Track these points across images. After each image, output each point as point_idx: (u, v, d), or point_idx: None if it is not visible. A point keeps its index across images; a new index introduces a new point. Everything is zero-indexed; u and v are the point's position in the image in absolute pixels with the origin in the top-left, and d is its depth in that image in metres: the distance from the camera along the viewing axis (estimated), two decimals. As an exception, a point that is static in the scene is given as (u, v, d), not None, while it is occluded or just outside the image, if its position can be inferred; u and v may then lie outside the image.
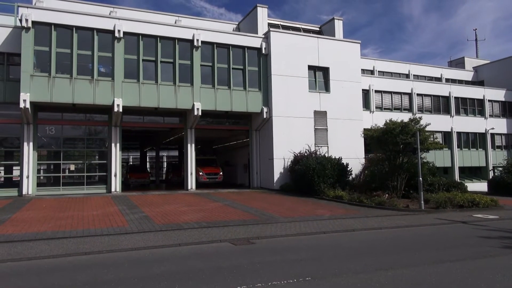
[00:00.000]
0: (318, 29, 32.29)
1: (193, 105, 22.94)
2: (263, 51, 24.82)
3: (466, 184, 25.69)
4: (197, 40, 23.33)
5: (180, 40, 23.26)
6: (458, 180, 28.21)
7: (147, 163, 51.02)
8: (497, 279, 6.82)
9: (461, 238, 11.23)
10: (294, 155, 23.77)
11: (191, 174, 24.33)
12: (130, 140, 39.96)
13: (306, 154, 23.30)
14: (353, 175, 23.78)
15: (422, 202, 17.10)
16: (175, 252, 9.04)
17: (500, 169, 32.19)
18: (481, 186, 31.51)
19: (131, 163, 51.57)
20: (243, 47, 24.74)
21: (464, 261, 8.22)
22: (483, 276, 7.02)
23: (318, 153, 23.60)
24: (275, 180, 24.08)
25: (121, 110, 21.31)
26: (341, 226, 12.74)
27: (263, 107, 24.51)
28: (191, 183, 24.31)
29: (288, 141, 24.21)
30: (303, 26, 31.91)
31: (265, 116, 24.41)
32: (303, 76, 25.29)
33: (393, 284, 6.46)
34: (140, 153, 48.53)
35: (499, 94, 36.47)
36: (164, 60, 22.90)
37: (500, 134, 36.38)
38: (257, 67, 24.97)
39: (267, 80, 24.86)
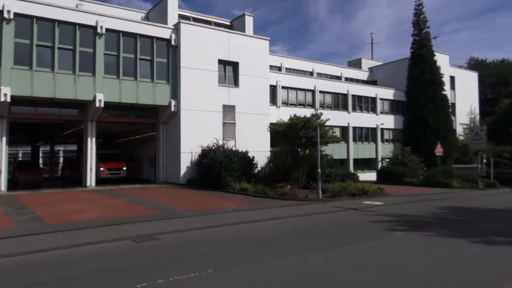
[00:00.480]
0: (229, 23, 32.55)
1: (95, 96, 21.60)
2: (173, 43, 24.28)
3: (358, 174, 28.30)
4: (101, 27, 21.95)
5: (81, 26, 21.64)
6: (352, 171, 30.86)
7: (40, 158, 46.58)
8: (379, 258, 7.70)
9: (352, 223, 12.39)
10: (202, 148, 23.79)
11: (91, 169, 22.92)
12: (20, 134, 36.06)
13: (214, 147, 23.47)
14: (259, 168, 24.60)
15: (320, 192, 18.42)
16: (69, 254, 8.52)
17: (387, 160, 36.06)
18: (371, 176, 34.88)
19: (20, 158, 46.69)
20: (151, 37, 23.91)
21: (353, 244, 9.10)
22: (368, 256, 7.86)
23: (226, 146, 23.94)
24: (182, 175, 23.86)
25: (8, 100, 19.20)
26: (246, 217, 13.17)
27: (171, 100, 24.04)
28: (91, 179, 22.91)
29: (196, 134, 24.13)
30: (214, 20, 31.89)
31: (173, 109, 23.98)
32: (213, 70, 25.34)
33: (293, 270, 6.92)
34: (32, 148, 44.13)
35: (389, 93, 40.56)
36: (62, 47, 21.11)
37: (389, 129, 40.55)
38: (166, 59, 24.36)
39: (176, 72, 24.40)
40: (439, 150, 30.34)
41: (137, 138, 32.16)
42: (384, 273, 6.68)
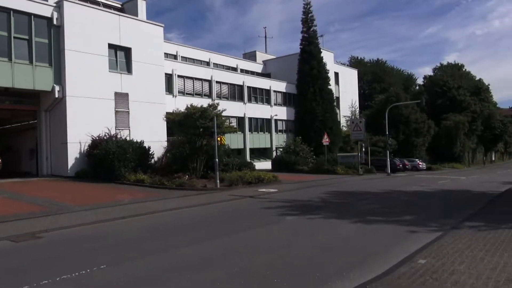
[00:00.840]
0: (120, 6, 30.64)
1: (-42, 77, 18.57)
2: (55, 22, 21.93)
3: (255, 163, 29.32)
4: (-38, -3, 18.84)
5: None
6: (249, 160, 31.86)
7: None
8: (272, 242, 8.14)
9: (248, 210, 12.85)
10: (93, 138, 22.18)
11: (-44, 162, 19.78)
12: None
13: (105, 137, 22.06)
14: (156, 159, 23.90)
15: (218, 181, 18.69)
16: None
17: (281, 149, 38.07)
18: (267, 164, 36.48)
19: None
20: (29, 14, 21.25)
21: (249, 230, 9.46)
22: (262, 241, 8.26)
23: (119, 136, 22.67)
24: (70, 167, 21.97)
25: None
26: (142, 209, 12.73)
27: (55, 85, 21.82)
28: (-44, 173, 19.80)
29: (86, 123, 22.36)
30: (103, 1, 29.69)
31: (57, 96, 21.79)
32: (102, 55, 23.63)
33: (188, 259, 6.92)
34: None
35: (281, 86, 42.61)
36: None
37: (282, 120, 42.70)
38: (47, 39, 21.94)
39: (60, 55, 22.18)
40: (326, 140, 33.01)
41: (15, 126, 28.58)
42: (276, 255, 7.11)
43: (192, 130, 21.81)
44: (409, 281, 5.49)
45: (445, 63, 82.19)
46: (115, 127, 23.75)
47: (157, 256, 7.15)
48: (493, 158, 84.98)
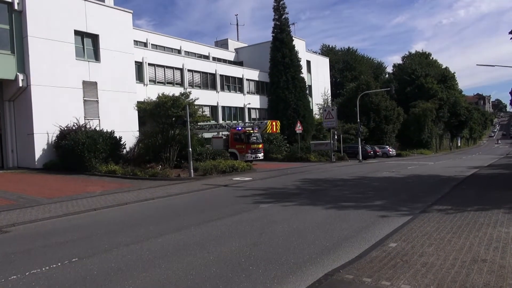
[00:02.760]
0: (85, -10, 29.45)
1: None
2: (16, 7, 20.90)
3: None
4: None
5: None
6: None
7: None
8: (247, 230, 8.17)
9: (223, 199, 12.84)
10: (61, 129, 21.49)
11: None
12: None
13: (74, 128, 21.43)
14: (127, 149, 23.44)
15: (192, 170, 18.55)
16: None
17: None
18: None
19: None
20: (-14, -2, 20.20)
21: (223, 219, 9.46)
22: (237, 229, 8.28)
23: (88, 126, 22.07)
24: (37, 158, 21.24)
25: None
26: (114, 201, 12.49)
27: (19, 73, 20.92)
28: None
29: (53, 113, 21.62)
30: (67, -15, 28.44)
31: (21, 85, 20.92)
32: (69, 42, 22.78)
33: (162, 249, 6.86)
34: None
35: (254, 74, 42.48)
36: None
37: (255, 109, 42.69)
38: (8, 25, 20.93)
39: (23, 42, 21.23)
40: (299, 128, 33.27)
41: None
42: (251, 242, 7.15)
43: (164, 119, 21.49)
44: (381, 264, 5.65)
45: (413, 51, 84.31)
46: (84, 117, 23.09)
47: (131, 247, 7.04)
48: (459, 144, 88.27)
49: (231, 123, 30.85)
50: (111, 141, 21.38)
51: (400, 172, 22.21)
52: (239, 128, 28.83)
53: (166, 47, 37.92)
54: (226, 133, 30.62)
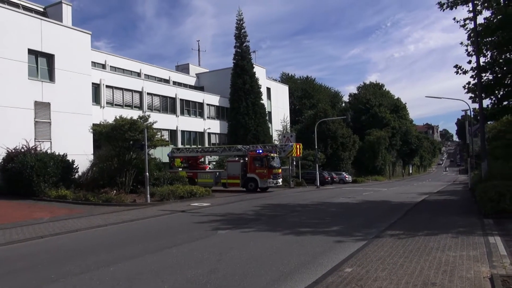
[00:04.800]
0: (42, 10, 28.75)
1: None
2: (-36, 23, 19.98)
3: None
4: None
5: None
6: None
7: None
8: (204, 257, 7.99)
9: (180, 225, 12.54)
10: (8, 151, 20.34)
11: None
12: None
13: (23, 150, 20.35)
14: (80, 173, 22.49)
15: (148, 196, 18.06)
16: None
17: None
18: (199, 178, 35.97)
19: None
20: None
21: (180, 245, 9.21)
22: (194, 256, 8.08)
23: (39, 149, 21.05)
24: (-21, 182, 19.87)
25: None
26: (63, 227, 11.84)
27: (-37, 92, 19.75)
28: None
29: (0, 134, 20.45)
30: (23, 3, 27.66)
31: (-35, 103, 19.73)
32: (21, 61, 21.93)
33: (114, 279, 6.54)
34: None
35: (215, 99, 42.66)
36: None
37: (215, 133, 42.65)
38: (-46, 41, 19.87)
39: (-30, 59, 20.18)
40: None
41: None
42: (208, 269, 6.99)
43: (121, 143, 20.94)
44: (337, 290, 5.70)
45: (368, 82, 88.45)
46: (35, 139, 22.03)
47: (80, 277, 6.66)
48: (411, 171, 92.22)
49: (246, 146, 29.72)
50: (62, 165, 20.48)
51: (356, 198, 22.78)
52: (260, 151, 27.51)
53: (126, 70, 37.39)
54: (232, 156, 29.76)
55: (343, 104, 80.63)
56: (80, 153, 23.50)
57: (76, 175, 21.93)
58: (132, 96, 32.90)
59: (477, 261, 7.26)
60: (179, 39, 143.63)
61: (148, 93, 34.20)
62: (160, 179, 22.52)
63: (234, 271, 6.92)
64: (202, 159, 34.40)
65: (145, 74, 39.09)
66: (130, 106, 32.43)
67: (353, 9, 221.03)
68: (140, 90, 33.47)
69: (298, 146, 29.23)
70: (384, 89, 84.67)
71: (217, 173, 29.37)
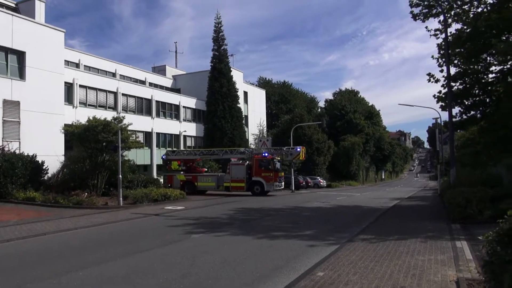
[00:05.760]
0: (14, 5, 27.84)
1: None
2: None
3: (162, 180, 28.47)
4: None
5: None
6: (156, 177, 30.80)
7: None
8: (177, 261, 7.91)
9: (153, 229, 12.36)
10: (-27, 151, 19.54)
11: None
12: None
13: (-11, 150, 19.61)
14: (50, 175, 21.85)
15: (121, 198, 17.72)
16: None
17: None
18: (174, 181, 35.57)
19: None
20: None
21: (153, 249, 9.08)
22: (167, 260, 7.98)
23: (6, 149, 20.31)
24: None
25: None
26: (31, 231, 11.46)
27: None
28: None
29: (-35, 133, 19.66)
30: (-7, -2, 26.73)
31: None
32: (-11, 57, 21.16)
33: (83, 284, 6.38)
34: None
35: (191, 102, 42.38)
36: None
37: (191, 136, 42.34)
38: None
39: None
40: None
41: None
42: (181, 274, 6.92)
43: (94, 144, 20.48)
44: (309, 294, 5.75)
45: (343, 88, 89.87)
46: (3, 138, 21.26)
47: (47, 282, 6.47)
48: (383, 177, 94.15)
49: (249, 149, 29.58)
50: (31, 166, 19.84)
51: (330, 202, 23.06)
52: (266, 154, 27.40)
53: (100, 70, 36.63)
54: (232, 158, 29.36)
55: (319, 110, 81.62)
56: (51, 154, 22.80)
57: (46, 177, 21.30)
58: (107, 97, 32.27)
59: (444, 265, 7.49)
60: (156, 40, 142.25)
61: (123, 94, 33.63)
62: (133, 181, 22.15)
63: (207, 275, 6.88)
64: (200, 162, 33.48)
65: (120, 75, 38.42)
66: (104, 106, 31.79)
67: (330, 16, 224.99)
68: (115, 90, 32.87)
69: (303, 149, 29.35)
70: (359, 96, 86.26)
71: (219, 176, 28.88)
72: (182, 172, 29.47)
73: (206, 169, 32.34)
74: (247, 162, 28.29)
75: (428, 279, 6.52)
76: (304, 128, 51.03)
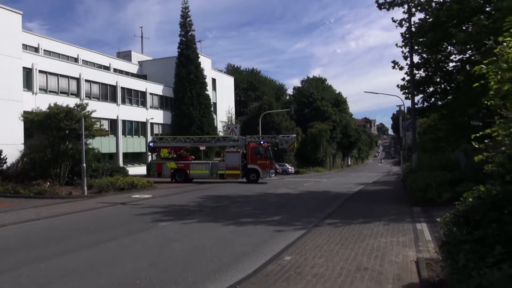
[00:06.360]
0: (-36, -16, 26.09)
1: None
2: None
3: (128, 168, 27.94)
4: None
5: None
6: (122, 165, 30.17)
7: None
8: (144, 250, 7.82)
9: (119, 218, 12.14)
10: None
11: None
12: None
13: None
14: (9, 164, 20.92)
15: (86, 188, 17.26)
16: None
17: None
18: (141, 169, 35.04)
19: None
20: None
21: (119, 239, 8.93)
22: (134, 249, 7.88)
23: (-40, 137, 19.25)
24: None
25: None
26: (-11, 222, 10.98)
27: None
28: None
29: None
30: None
31: None
32: None
33: (46, 276, 6.21)
34: None
35: (158, 89, 41.51)
36: None
37: (158, 124, 41.59)
38: None
39: None
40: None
41: None
42: (148, 262, 6.86)
43: (56, 132, 19.74)
44: (276, 278, 5.87)
45: (311, 76, 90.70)
46: (-45, 126, 20.11)
47: (7, 274, 6.24)
48: (349, 163, 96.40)
49: (243, 136, 29.30)
50: (-12, 155, 18.91)
51: (298, 188, 23.43)
52: (262, 142, 27.58)
53: (62, 54, 35.09)
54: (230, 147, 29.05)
55: (287, 97, 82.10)
56: (9, 142, 21.79)
57: (5, 166, 20.39)
58: (69, 83, 31.04)
59: (405, 246, 7.82)
60: (120, 24, 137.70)
61: (86, 80, 32.45)
62: (98, 170, 21.56)
63: (175, 263, 6.86)
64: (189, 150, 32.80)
65: (83, 60, 36.97)
66: (66, 93, 30.59)
67: (298, 3, 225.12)
68: (78, 76, 31.66)
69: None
70: (326, 83, 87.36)
71: (212, 164, 28.50)
72: (173, 160, 28.74)
73: (193, 157, 32.08)
74: (242, 150, 28.32)
75: (390, 260, 6.80)
76: (272, 115, 51.26)
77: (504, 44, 4.69)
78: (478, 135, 5.28)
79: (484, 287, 3.22)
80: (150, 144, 29.89)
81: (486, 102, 5.29)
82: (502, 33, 4.79)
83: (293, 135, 30.99)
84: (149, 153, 38.72)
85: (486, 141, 5.21)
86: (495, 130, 4.88)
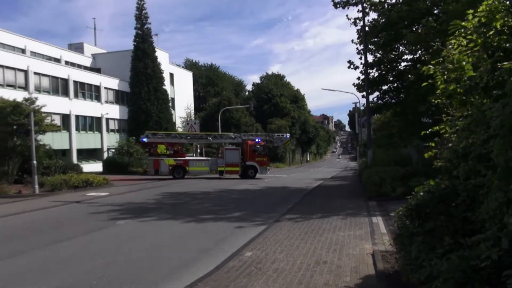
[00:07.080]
0: None
1: None
2: None
3: (83, 165, 26.90)
4: None
5: None
6: (76, 162, 29.02)
7: None
8: (101, 249, 7.58)
9: (74, 217, 11.69)
10: None
11: None
12: None
13: None
14: (-50, 161, 19.47)
15: (37, 186, 16.49)
16: None
17: (113, 150, 35.90)
18: (97, 166, 33.86)
19: None
20: None
21: (74, 238, 8.59)
22: (90, 249, 7.61)
23: None
24: None
25: None
26: None
27: None
28: None
29: None
30: None
31: None
32: None
33: (-6, 280, 5.87)
34: None
35: (113, 83, 40.21)
36: None
37: (114, 119, 40.34)
38: None
39: None
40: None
41: None
42: (104, 262, 6.67)
43: (3, 128, 18.61)
44: (237, 274, 5.90)
45: (270, 72, 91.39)
46: None
47: (-51, 280, 5.84)
48: (308, 159, 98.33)
49: (238, 134, 30.39)
50: None
51: (258, 184, 23.58)
52: (258, 140, 28.51)
53: (6, 45, 33.01)
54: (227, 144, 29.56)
55: (247, 93, 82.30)
56: (-51, 138, 20.31)
57: None
58: (16, 75, 29.34)
59: (362, 239, 8.12)
60: (71, 15, 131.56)
61: (35, 73, 30.81)
62: (50, 167, 20.60)
63: (133, 262, 6.72)
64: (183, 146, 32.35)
65: (31, 51, 34.98)
66: (13, 86, 28.90)
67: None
68: (25, 69, 29.98)
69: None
70: (285, 80, 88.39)
71: (212, 161, 28.84)
72: (170, 156, 28.21)
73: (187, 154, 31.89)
74: (240, 147, 29.07)
75: (348, 253, 7.03)
76: (232, 111, 51.22)
77: (450, 46, 4.97)
78: (427, 132, 5.57)
79: (435, 277, 3.41)
80: (144, 139, 29.03)
81: (433, 100, 5.59)
82: (449, 35, 5.06)
83: (287, 135, 33.01)
84: (104, 150, 37.64)
85: (435, 139, 5.52)
86: (443, 128, 5.17)
